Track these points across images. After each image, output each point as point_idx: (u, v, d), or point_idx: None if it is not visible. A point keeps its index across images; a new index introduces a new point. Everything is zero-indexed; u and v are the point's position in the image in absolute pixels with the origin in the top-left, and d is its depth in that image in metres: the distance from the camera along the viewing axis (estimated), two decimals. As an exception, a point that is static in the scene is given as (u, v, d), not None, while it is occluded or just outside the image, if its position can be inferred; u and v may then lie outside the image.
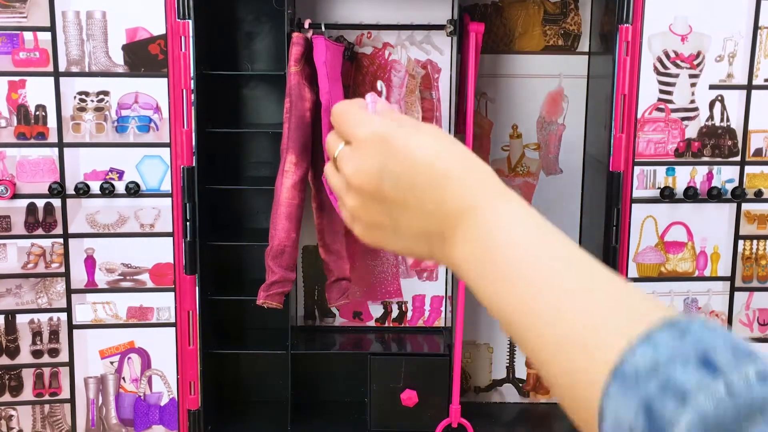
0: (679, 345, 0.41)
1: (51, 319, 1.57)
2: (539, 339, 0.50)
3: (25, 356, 1.58)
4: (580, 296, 0.49)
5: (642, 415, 0.40)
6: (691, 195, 1.57)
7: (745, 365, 0.39)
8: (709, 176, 1.59)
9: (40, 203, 1.53)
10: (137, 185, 1.53)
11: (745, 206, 1.61)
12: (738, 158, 1.59)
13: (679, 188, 1.59)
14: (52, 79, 1.50)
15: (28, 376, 1.58)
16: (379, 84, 0.71)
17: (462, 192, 0.57)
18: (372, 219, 0.61)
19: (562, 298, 0.50)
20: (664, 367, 0.41)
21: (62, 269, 1.56)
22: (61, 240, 1.55)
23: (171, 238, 1.56)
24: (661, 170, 1.59)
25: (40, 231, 1.54)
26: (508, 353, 1.86)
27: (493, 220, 0.55)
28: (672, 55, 1.55)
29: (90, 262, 1.57)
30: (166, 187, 1.55)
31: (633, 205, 1.58)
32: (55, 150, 1.52)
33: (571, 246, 0.52)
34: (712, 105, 1.57)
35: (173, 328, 1.59)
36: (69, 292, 1.57)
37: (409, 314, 1.83)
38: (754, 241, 1.62)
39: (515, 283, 0.52)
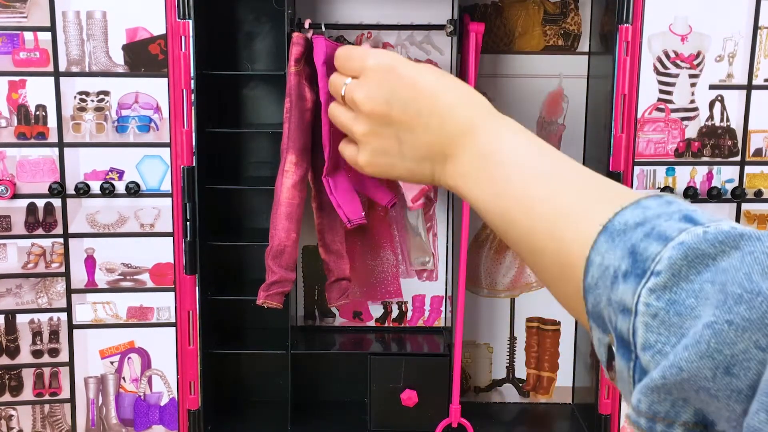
0: (665, 208, 0.46)
1: (51, 319, 1.57)
2: (533, 224, 0.54)
3: (25, 356, 1.58)
4: (573, 182, 0.55)
5: (627, 258, 0.44)
6: (690, 195, 1.57)
7: (721, 222, 0.43)
8: (709, 176, 1.59)
9: (40, 203, 1.53)
10: (137, 185, 1.54)
11: (745, 206, 1.61)
12: (738, 158, 1.59)
13: (679, 188, 1.59)
14: (52, 79, 1.50)
15: (28, 376, 1.58)
16: (365, 39, 0.78)
17: (464, 117, 0.63)
18: (380, 144, 0.67)
19: (556, 185, 0.55)
20: (650, 221, 0.45)
21: (62, 269, 1.56)
22: (61, 240, 1.55)
23: (171, 238, 1.56)
24: (661, 170, 1.59)
25: (40, 231, 1.54)
26: (508, 353, 1.86)
27: (491, 136, 0.61)
28: (672, 55, 1.55)
29: (90, 262, 1.57)
30: (166, 187, 1.55)
31: (633, 205, 1.58)
32: (55, 150, 1.52)
33: (562, 154, 0.58)
34: (711, 105, 1.57)
35: (173, 328, 1.59)
36: (69, 292, 1.57)
37: (409, 314, 1.83)
38: (754, 241, 1.62)
39: (513, 181, 0.57)
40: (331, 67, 0.75)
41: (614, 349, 0.45)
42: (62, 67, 1.50)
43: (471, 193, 0.61)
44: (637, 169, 1.58)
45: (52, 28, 1.49)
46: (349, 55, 0.69)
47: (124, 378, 1.61)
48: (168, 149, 1.54)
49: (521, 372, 1.87)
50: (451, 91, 0.64)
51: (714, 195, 1.58)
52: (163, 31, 1.50)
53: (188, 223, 1.54)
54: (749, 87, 1.57)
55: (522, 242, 0.56)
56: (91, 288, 1.57)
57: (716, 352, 0.38)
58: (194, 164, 1.53)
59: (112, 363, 1.60)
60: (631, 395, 0.43)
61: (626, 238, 0.45)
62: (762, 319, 0.37)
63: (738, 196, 1.58)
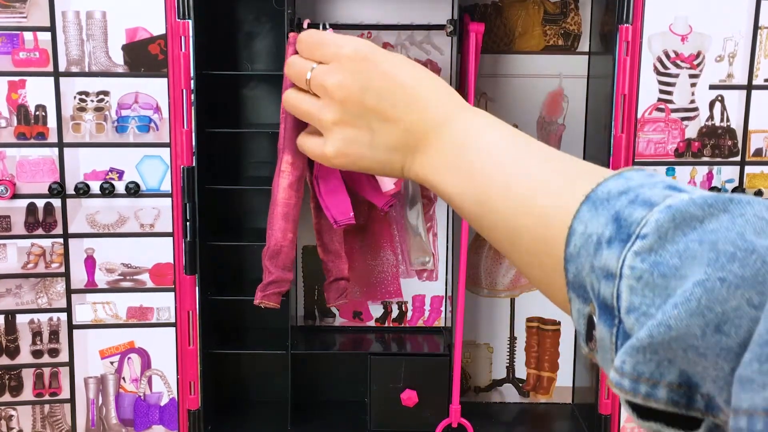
0: (648, 179, 0.46)
1: (51, 319, 1.57)
2: (511, 203, 0.54)
3: (25, 356, 1.58)
4: (552, 162, 0.55)
5: (611, 224, 0.44)
6: (691, 195, 1.57)
7: (704, 191, 0.44)
8: (709, 176, 1.59)
9: (40, 203, 1.53)
10: (137, 185, 1.54)
11: (745, 206, 1.60)
12: (738, 158, 1.59)
13: (679, 188, 1.58)
14: (52, 79, 1.50)
15: (28, 376, 1.59)
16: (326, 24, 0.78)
17: (440, 108, 0.63)
18: (351, 133, 0.66)
19: (535, 164, 0.55)
20: (634, 189, 0.45)
21: (62, 269, 1.56)
22: (61, 240, 1.55)
23: (171, 238, 1.56)
24: (662, 170, 1.59)
25: (40, 231, 1.54)
26: (508, 353, 1.86)
27: (467, 126, 0.61)
28: (672, 55, 1.55)
29: (90, 262, 1.57)
30: (166, 187, 1.55)
31: (633, 205, 1.58)
32: (55, 150, 1.52)
33: (538, 141, 0.59)
34: (712, 105, 1.57)
35: (173, 328, 1.59)
36: (69, 292, 1.57)
37: (409, 314, 1.83)
38: (755, 242, 1.62)
39: (491, 165, 0.57)
40: None
41: (595, 318, 0.45)
42: (62, 67, 1.50)
43: (444, 182, 0.60)
44: (637, 169, 1.57)
45: (51, 28, 1.49)
46: (321, 41, 0.68)
47: (124, 378, 1.61)
48: (168, 149, 1.54)
49: (521, 372, 1.87)
50: (427, 83, 0.64)
51: (714, 195, 1.57)
52: (163, 31, 1.50)
53: (188, 223, 1.54)
54: (749, 87, 1.57)
55: (499, 225, 0.55)
56: (91, 288, 1.58)
57: (707, 310, 0.37)
58: (194, 164, 1.53)
59: (112, 363, 1.60)
60: (612, 363, 0.42)
61: (610, 205, 0.45)
62: (755, 276, 0.37)
63: (738, 196, 1.58)
